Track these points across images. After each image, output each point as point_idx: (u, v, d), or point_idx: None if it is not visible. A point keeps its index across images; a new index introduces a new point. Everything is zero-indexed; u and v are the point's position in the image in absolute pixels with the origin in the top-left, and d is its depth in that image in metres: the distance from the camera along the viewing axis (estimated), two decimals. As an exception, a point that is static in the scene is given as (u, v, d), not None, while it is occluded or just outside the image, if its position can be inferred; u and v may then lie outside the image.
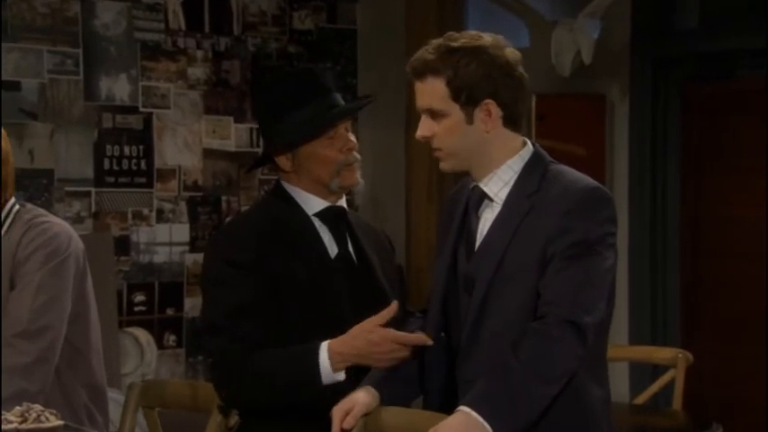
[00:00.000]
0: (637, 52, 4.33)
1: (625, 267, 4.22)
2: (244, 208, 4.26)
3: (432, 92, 1.89)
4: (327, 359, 1.99)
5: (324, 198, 2.16)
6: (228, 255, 2.07)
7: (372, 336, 1.97)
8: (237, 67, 4.32)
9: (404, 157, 4.36)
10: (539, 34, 4.28)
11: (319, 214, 2.16)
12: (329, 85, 2.18)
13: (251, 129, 4.34)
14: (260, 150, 4.13)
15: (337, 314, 2.08)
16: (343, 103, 2.19)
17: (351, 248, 2.17)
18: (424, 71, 1.89)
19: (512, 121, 1.91)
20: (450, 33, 1.90)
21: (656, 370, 3.69)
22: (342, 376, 2.00)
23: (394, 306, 1.99)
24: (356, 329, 2.00)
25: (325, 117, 2.12)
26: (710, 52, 4.21)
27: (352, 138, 2.16)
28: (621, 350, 3.39)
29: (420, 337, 1.95)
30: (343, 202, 2.20)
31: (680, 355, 3.05)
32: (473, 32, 1.91)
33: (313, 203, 2.16)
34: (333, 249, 2.15)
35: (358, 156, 2.16)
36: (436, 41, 1.90)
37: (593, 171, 2.04)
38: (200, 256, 4.13)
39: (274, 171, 2.23)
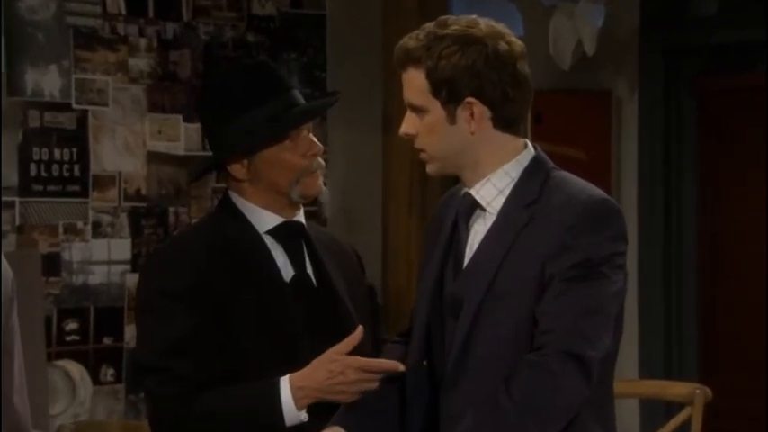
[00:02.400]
0: (647, 42, 4.35)
1: (634, 290, 4.22)
2: (195, 221, 4.23)
3: (411, 85, 1.89)
4: (290, 395, 1.98)
5: (279, 212, 2.15)
6: (162, 282, 2.06)
7: (334, 365, 1.96)
8: (187, 57, 4.30)
9: (381, 162, 4.35)
10: (534, 21, 4.29)
11: (272, 231, 2.15)
12: (287, 80, 2.18)
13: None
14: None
15: (293, 345, 2.07)
16: (303, 101, 2.18)
17: (310, 269, 2.16)
18: (405, 61, 1.89)
19: (506, 124, 1.90)
20: (444, 18, 1.90)
21: (671, 408, 3.69)
22: (305, 416, 1.99)
23: (359, 331, 1.98)
24: (317, 360, 1.99)
25: (288, 117, 2.11)
26: (730, 43, 4.23)
27: (317, 142, 2.16)
28: (631, 385, 3.39)
29: (391, 364, 1.93)
30: (300, 217, 2.19)
31: (697, 391, 3.05)
32: (470, 18, 1.90)
33: (265, 219, 2.15)
34: (288, 271, 2.14)
35: (322, 162, 2.16)
36: (428, 26, 1.89)
37: (597, 178, 2.04)
38: (142, 277, 4.11)
39: (225, 180, 2.21)
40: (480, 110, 1.87)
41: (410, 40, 1.88)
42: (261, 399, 1.99)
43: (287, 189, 2.12)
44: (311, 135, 2.15)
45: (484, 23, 1.89)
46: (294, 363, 2.03)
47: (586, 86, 4.37)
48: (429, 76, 1.86)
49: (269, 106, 2.11)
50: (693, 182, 4.38)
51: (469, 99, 1.86)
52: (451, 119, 1.88)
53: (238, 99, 2.12)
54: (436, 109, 1.88)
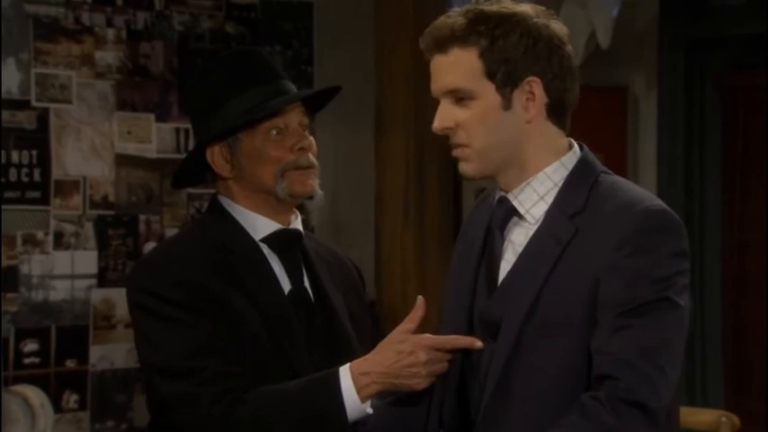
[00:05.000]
0: (666, 34, 4.35)
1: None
2: (169, 231, 4.23)
3: (458, 67, 1.84)
4: (351, 384, 1.96)
5: (271, 216, 2.15)
6: (160, 288, 2.06)
7: (404, 345, 1.93)
8: (160, 50, 4.30)
9: (373, 167, 4.35)
10: (543, 11, 4.29)
11: (267, 239, 2.15)
12: (278, 69, 2.19)
13: (176, 129, 4.32)
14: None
15: (292, 364, 2.07)
16: (295, 90, 2.19)
17: (307, 283, 2.16)
18: (447, 42, 1.85)
19: (557, 112, 1.87)
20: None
21: (694, 437, 3.69)
22: (371, 409, 1.97)
23: (421, 303, 1.95)
24: (382, 343, 1.97)
25: (270, 102, 2.12)
26: (757, 35, 4.24)
27: (309, 137, 2.16)
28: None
29: (468, 340, 1.87)
30: (298, 224, 2.19)
31: (723, 419, 3.04)
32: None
33: (260, 225, 2.15)
34: (285, 284, 2.14)
35: (314, 160, 2.16)
36: (467, 7, 1.87)
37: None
38: (110, 292, 4.10)
39: (213, 184, 2.23)
40: (540, 93, 1.84)
41: (451, 20, 1.85)
42: (318, 390, 1.96)
43: (272, 185, 2.12)
44: (306, 132, 2.15)
45: (527, 4, 1.87)
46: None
47: (600, 82, 4.37)
48: (483, 56, 1.82)
49: (255, 93, 2.12)
50: (717, 187, 4.38)
51: (531, 78, 1.83)
52: (507, 103, 1.84)
53: (223, 88, 2.13)
54: (489, 93, 1.83)
